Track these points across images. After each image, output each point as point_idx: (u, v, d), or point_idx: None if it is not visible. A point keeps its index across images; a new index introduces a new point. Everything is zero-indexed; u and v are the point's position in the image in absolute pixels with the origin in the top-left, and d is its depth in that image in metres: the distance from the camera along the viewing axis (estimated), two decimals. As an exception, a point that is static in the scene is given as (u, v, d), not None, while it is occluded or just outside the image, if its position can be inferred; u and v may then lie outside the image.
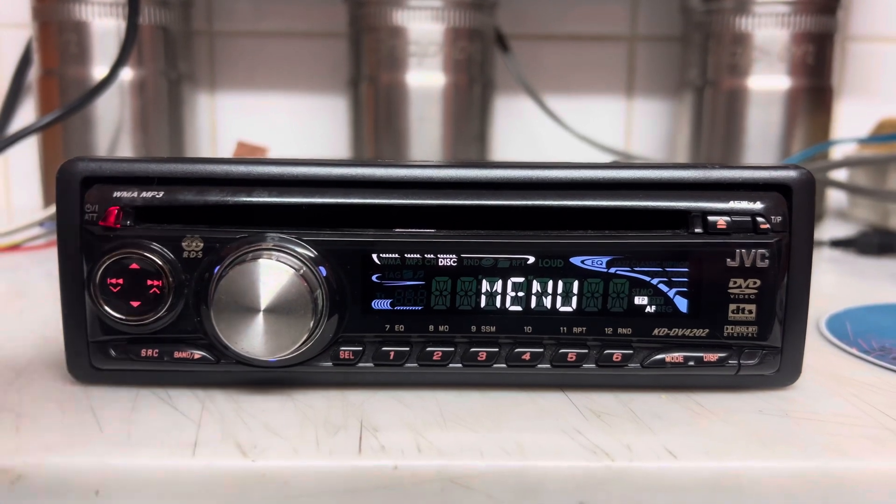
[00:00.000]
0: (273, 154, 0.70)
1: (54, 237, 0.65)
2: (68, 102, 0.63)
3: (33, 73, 0.75)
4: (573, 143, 0.83)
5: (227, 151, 0.84)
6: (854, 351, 0.37)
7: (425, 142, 0.74)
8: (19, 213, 0.72)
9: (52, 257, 0.57)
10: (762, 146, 0.76)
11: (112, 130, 0.73)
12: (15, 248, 0.60)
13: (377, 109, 0.75)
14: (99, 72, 0.70)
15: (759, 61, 0.76)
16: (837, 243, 0.65)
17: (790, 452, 0.26)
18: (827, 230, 0.74)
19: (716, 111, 0.78)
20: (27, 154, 0.78)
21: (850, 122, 0.87)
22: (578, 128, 0.84)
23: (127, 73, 0.72)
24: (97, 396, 0.30)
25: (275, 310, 0.28)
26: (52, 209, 0.64)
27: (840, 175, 0.82)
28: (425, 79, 0.74)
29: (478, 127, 0.77)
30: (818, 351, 0.37)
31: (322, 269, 0.29)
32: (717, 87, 0.78)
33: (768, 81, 0.76)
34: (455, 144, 0.74)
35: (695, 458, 0.26)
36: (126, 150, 0.73)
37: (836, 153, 0.81)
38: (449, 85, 0.74)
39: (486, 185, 0.30)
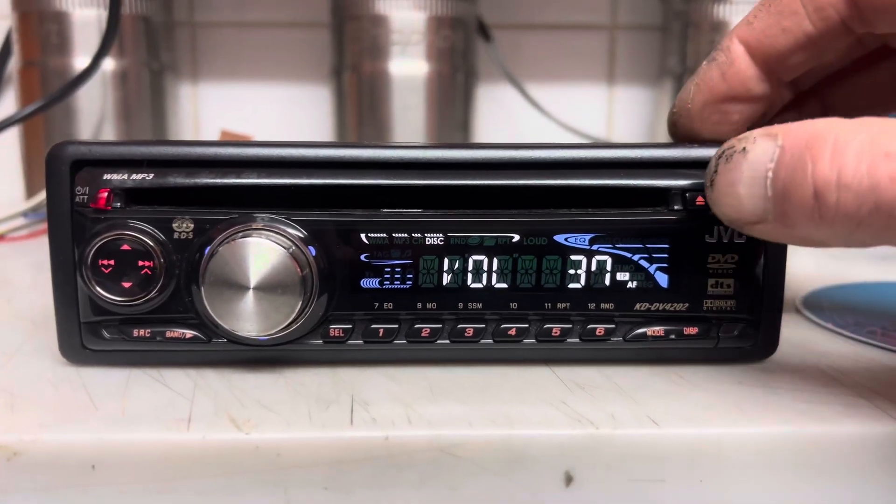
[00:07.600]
0: (257, 144, 0.70)
1: (37, 228, 0.65)
2: (50, 93, 0.63)
3: (13, 64, 0.74)
4: (555, 131, 0.84)
5: (210, 142, 0.84)
6: (830, 326, 0.38)
7: (409, 130, 0.74)
8: (1, 205, 0.71)
9: (37, 248, 0.57)
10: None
11: (94, 122, 0.72)
12: (-1, 238, 0.60)
13: (360, 98, 0.76)
14: (80, 63, 0.70)
15: (737, 49, 0.77)
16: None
17: (768, 418, 0.27)
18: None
19: (695, 98, 0.79)
20: (9, 146, 0.77)
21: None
22: (560, 116, 0.85)
23: (109, 64, 0.71)
24: (90, 376, 0.30)
25: (265, 288, 0.28)
26: (36, 200, 0.64)
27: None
28: (408, 67, 0.74)
29: (461, 115, 0.78)
30: (795, 327, 0.38)
31: (311, 248, 0.30)
32: (696, 74, 0.79)
33: (746, 69, 0.77)
34: (438, 133, 0.75)
35: (676, 425, 0.27)
36: (109, 140, 0.72)
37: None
38: (432, 73, 0.74)
39: (471, 165, 0.31)
